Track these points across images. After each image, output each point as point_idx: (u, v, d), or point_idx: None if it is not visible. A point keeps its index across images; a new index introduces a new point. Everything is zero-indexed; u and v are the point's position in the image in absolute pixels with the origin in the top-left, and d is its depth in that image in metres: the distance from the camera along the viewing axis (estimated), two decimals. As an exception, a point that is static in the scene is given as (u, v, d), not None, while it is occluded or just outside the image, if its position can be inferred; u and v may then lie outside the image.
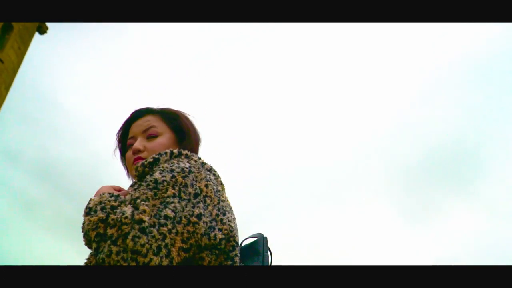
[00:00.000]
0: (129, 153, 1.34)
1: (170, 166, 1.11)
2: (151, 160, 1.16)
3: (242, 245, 1.26)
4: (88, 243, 1.04)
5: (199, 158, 1.22)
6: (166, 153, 1.18)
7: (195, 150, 1.35)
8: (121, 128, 1.43)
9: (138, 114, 1.39)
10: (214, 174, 1.21)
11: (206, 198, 1.10)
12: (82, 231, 1.05)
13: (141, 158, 1.27)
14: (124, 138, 1.42)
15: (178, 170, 1.10)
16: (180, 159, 1.16)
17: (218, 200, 1.15)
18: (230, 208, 1.20)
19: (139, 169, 1.16)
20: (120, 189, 1.21)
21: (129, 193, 1.11)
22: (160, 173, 1.09)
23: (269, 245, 1.28)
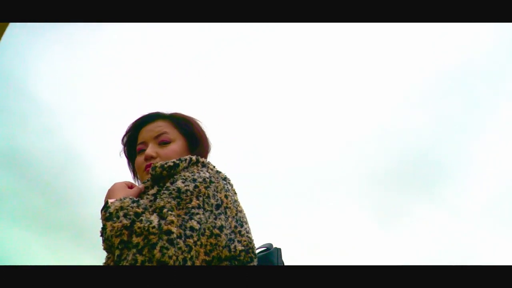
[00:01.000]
0: (140, 159, 1.31)
1: (192, 176, 1.10)
2: (171, 164, 1.14)
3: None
4: (109, 248, 1.01)
5: (214, 166, 1.21)
6: (186, 159, 1.16)
7: (205, 157, 1.34)
8: (128, 132, 1.40)
9: (147, 119, 1.37)
10: (229, 183, 1.20)
11: (227, 210, 1.09)
12: (102, 236, 1.02)
13: None
14: (132, 142, 1.39)
15: (200, 180, 1.08)
16: (199, 168, 1.15)
17: (236, 210, 1.14)
18: (246, 218, 1.19)
19: (158, 170, 1.14)
20: (131, 185, 1.19)
21: (146, 197, 1.09)
22: (183, 182, 1.07)
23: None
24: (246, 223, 1.16)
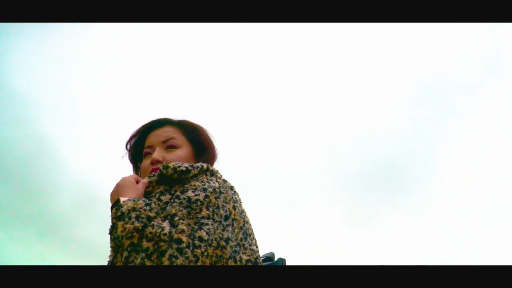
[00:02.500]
0: (146, 162, 1.32)
1: (202, 185, 1.10)
2: (184, 169, 1.13)
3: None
4: (116, 248, 1.00)
5: (221, 175, 1.22)
6: (197, 167, 1.16)
7: (211, 165, 1.31)
8: (135, 135, 1.41)
9: (156, 124, 1.38)
10: (235, 192, 1.21)
11: (234, 221, 1.11)
12: (111, 235, 1.02)
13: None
14: (139, 146, 1.40)
15: (211, 190, 1.09)
16: (208, 177, 1.15)
17: (243, 221, 1.15)
18: (252, 229, 1.20)
19: (170, 171, 1.13)
20: (137, 179, 1.19)
21: (158, 203, 1.08)
22: (193, 192, 1.08)
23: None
24: (251, 235, 1.17)
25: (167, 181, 1.14)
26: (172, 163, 1.15)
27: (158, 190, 1.12)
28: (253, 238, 1.17)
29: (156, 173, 1.17)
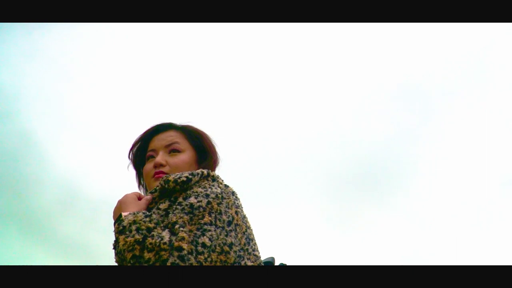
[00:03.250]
0: (148, 166, 1.33)
1: (205, 191, 1.11)
2: (185, 179, 1.14)
3: None
4: (121, 262, 1.01)
5: (222, 180, 1.23)
6: (197, 174, 1.17)
7: (213, 170, 1.37)
8: (139, 140, 1.42)
9: (160, 128, 1.40)
10: (237, 197, 1.22)
11: (237, 227, 1.12)
12: (115, 249, 1.03)
13: (163, 173, 1.27)
14: (141, 150, 1.41)
15: (213, 196, 1.10)
16: (210, 182, 1.16)
17: (246, 227, 1.17)
18: (253, 234, 1.21)
19: (171, 184, 1.13)
20: (140, 196, 1.20)
21: (158, 212, 1.09)
22: (196, 198, 1.08)
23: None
24: (253, 240, 1.18)
25: (169, 194, 1.14)
26: (172, 175, 1.16)
27: (163, 207, 1.12)
28: (255, 243, 1.19)
29: (157, 188, 1.17)
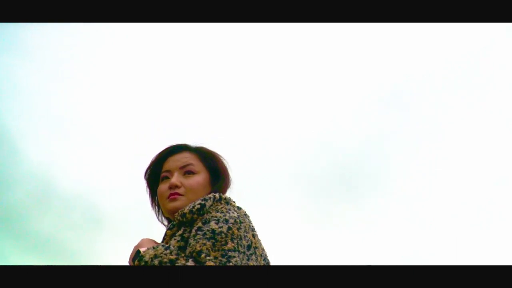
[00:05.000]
0: (163, 187, 1.35)
1: (223, 216, 1.14)
2: (199, 206, 1.18)
3: None
4: None
5: (234, 202, 1.28)
6: (210, 198, 1.22)
7: (225, 192, 1.39)
8: (155, 160, 1.44)
9: (175, 150, 1.42)
10: (249, 219, 1.25)
11: (256, 250, 1.15)
12: None
13: (178, 194, 1.30)
14: (157, 170, 1.43)
15: (232, 221, 1.13)
16: (224, 206, 1.20)
17: (262, 249, 1.20)
18: (266, 253, 1.24)
19: (188, 216, 1.17)
20: (156, 243, 1.21)
21: (174, 238, 1.12)
22: (216, 223, 1.11)
23: None
24: (265, 259, 1.22)
25: (190, 225, 1.18)
26: (186, 208, 1.20)
27: (179, 233, 1.16)
28: (268, 261, 1.23)
29: (175, 223, 1.21)
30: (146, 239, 1.21)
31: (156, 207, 1.45)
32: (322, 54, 7.18)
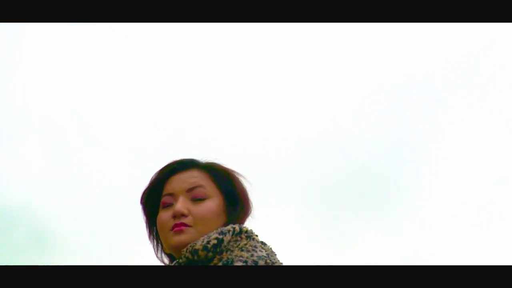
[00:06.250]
0: (165, 215, 1.09)
1: (251, 256, 0.93)
2: (216, 242, 0.95)
3: None
4: None
5: (257, 235, 1.05)
6: (229, 231, 0.99)
7: (244, 221, 1.15)
8: (155, 181, 1.17)
9: (179, 167, 1.15)
10: (276, 256, 1.04)
11: None
12: None
13: (184, 225, 1.05)
14: (156, 193, 1.16)
15: (263, 263, 0.93)
16: (248, 242, 0.99)
17: None
18: None
19: (201, 254, 0.95)
20: None
21: None
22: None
23: None
24: None
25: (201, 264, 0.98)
26: (198, 242, 0.97)
27: None
28: None
29: (180, 262, 0.99)
30: None
31: (155, 241, 1.18)
32: (322, 54, 7.17)
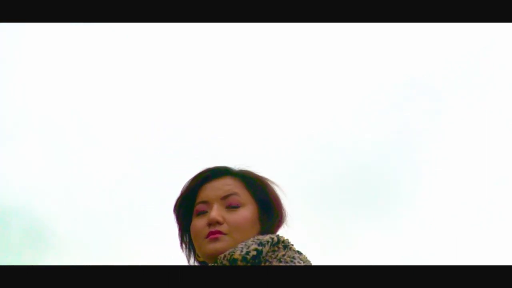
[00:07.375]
0: (199, 223, 1.09)
1: None
2: (255, 253, 0.95)
3: None
4: None
5: (292, 245, 1.05)
6: (268, 242, 0.99)
7: (277, 230, 1.15)
8: (188, 189, 1.17)
9: (213, 174, 1.15)
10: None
11: None
12: None
13: (220, 232, 1.05)
14: (189, 200, 1.16)
15: None
16: (284, 251, 0.99)
17: None
18: None
19: (240, 264, 0.95)
20: None
21: None
22: None
23: None
24: None
25: None
26: (237, 251, 0.97)
27: None
28: None
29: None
30: None
31: (187, 249, 1.18)
32: (322, 54, 7.17)
